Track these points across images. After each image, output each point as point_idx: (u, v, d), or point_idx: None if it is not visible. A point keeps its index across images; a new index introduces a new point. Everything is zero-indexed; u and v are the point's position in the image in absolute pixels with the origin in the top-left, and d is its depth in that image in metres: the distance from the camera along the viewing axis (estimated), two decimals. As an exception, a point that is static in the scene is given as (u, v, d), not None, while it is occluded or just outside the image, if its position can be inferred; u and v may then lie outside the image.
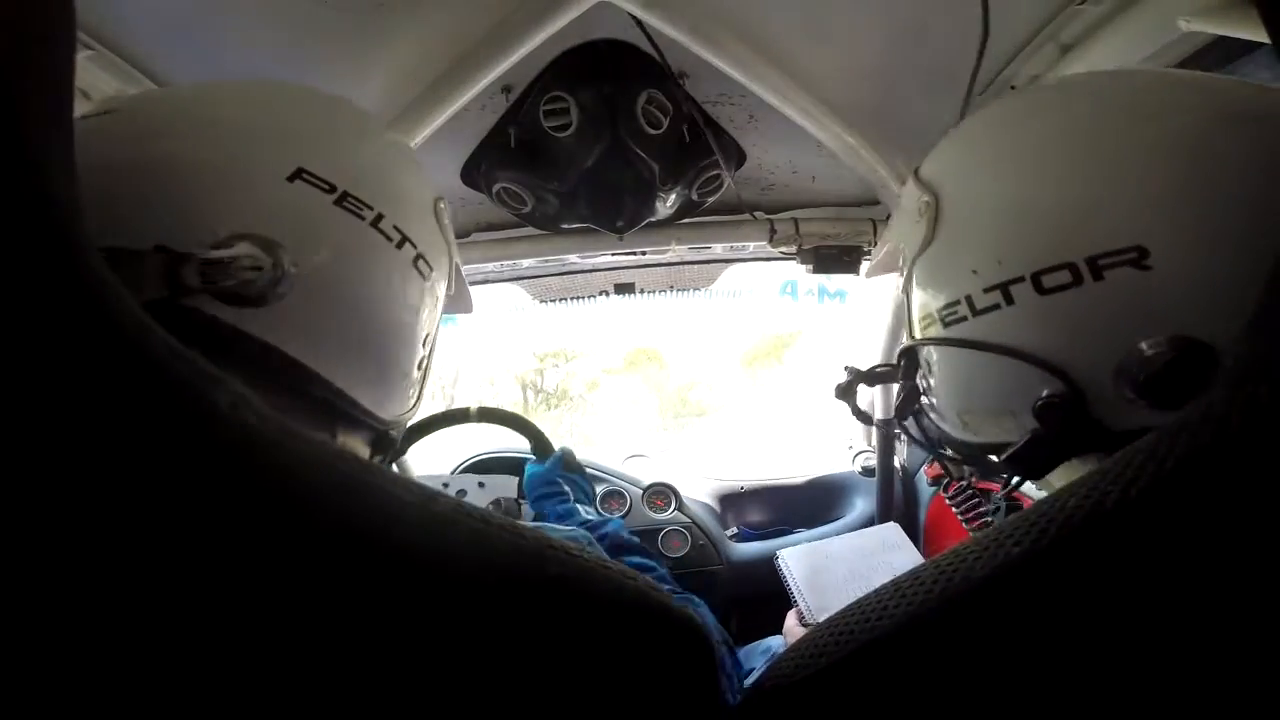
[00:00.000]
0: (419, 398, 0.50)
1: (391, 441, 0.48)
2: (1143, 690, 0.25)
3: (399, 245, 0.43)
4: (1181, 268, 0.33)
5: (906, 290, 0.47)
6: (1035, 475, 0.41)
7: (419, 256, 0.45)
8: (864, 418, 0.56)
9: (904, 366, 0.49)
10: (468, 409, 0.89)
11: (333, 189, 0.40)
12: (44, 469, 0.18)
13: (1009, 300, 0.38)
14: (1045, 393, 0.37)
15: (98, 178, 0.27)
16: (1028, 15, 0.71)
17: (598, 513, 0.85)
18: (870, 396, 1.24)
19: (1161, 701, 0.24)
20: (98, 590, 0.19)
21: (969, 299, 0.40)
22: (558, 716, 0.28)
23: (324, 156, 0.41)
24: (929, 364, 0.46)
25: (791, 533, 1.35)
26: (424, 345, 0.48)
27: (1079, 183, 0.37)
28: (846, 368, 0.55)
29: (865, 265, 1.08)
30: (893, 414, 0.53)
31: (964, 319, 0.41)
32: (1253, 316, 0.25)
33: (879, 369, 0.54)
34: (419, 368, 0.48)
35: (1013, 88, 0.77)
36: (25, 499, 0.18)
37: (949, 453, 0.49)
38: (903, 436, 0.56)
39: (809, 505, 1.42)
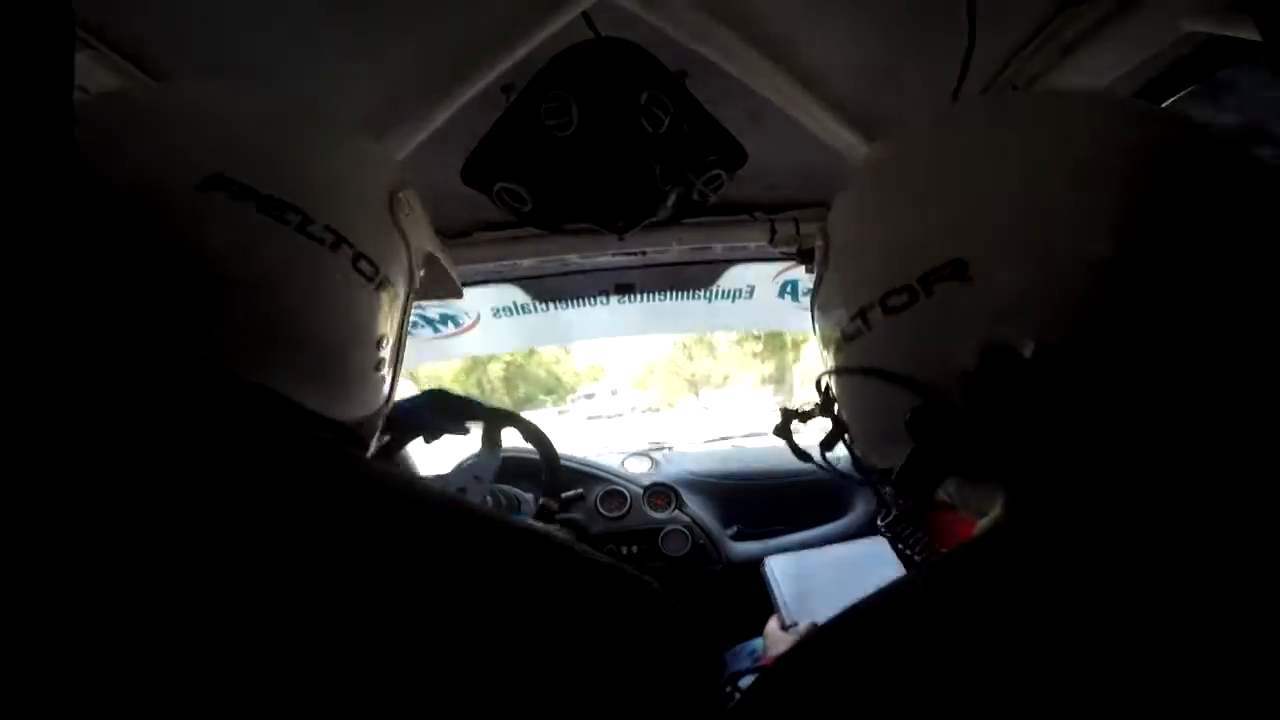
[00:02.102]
0: (389, 396, 0.49)
1: (360, 440, 0.47)
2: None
3: (333, 247, 0.41)
4: (998, 278, 0.34)
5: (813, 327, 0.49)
6: (920, 495, 0.42)
7: (360, 256, 0.43)
8: (803, 456, 0.56)
9: (823, 401, 0.51)
10: (551, 446, 0.95)
11: (252, 194, 0.38)
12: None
13: (867, 325, 0.40)
14: (912, 408, 0.38)
15: None
16: (1027, 15, 0.71)
17: None
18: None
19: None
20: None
21: (842, 329, 0.42)
22: (558, 696, 0.29)
23: (245, 159, 0.39)
24: (836, 396, 0.48)
25: (792, 532, 1.35)
26: (379, 347, 0.46)
27: (921, 209, 0.38)
28: (780, 409, 0.56)
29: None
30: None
31: (842, 348, 0.43)
32: None
33: (805, 407, 0.55)
34: (376, 369, 0.46)
35: (1014, 88, 0.77)
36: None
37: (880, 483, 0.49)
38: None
39: (810, 505, 1.42)
